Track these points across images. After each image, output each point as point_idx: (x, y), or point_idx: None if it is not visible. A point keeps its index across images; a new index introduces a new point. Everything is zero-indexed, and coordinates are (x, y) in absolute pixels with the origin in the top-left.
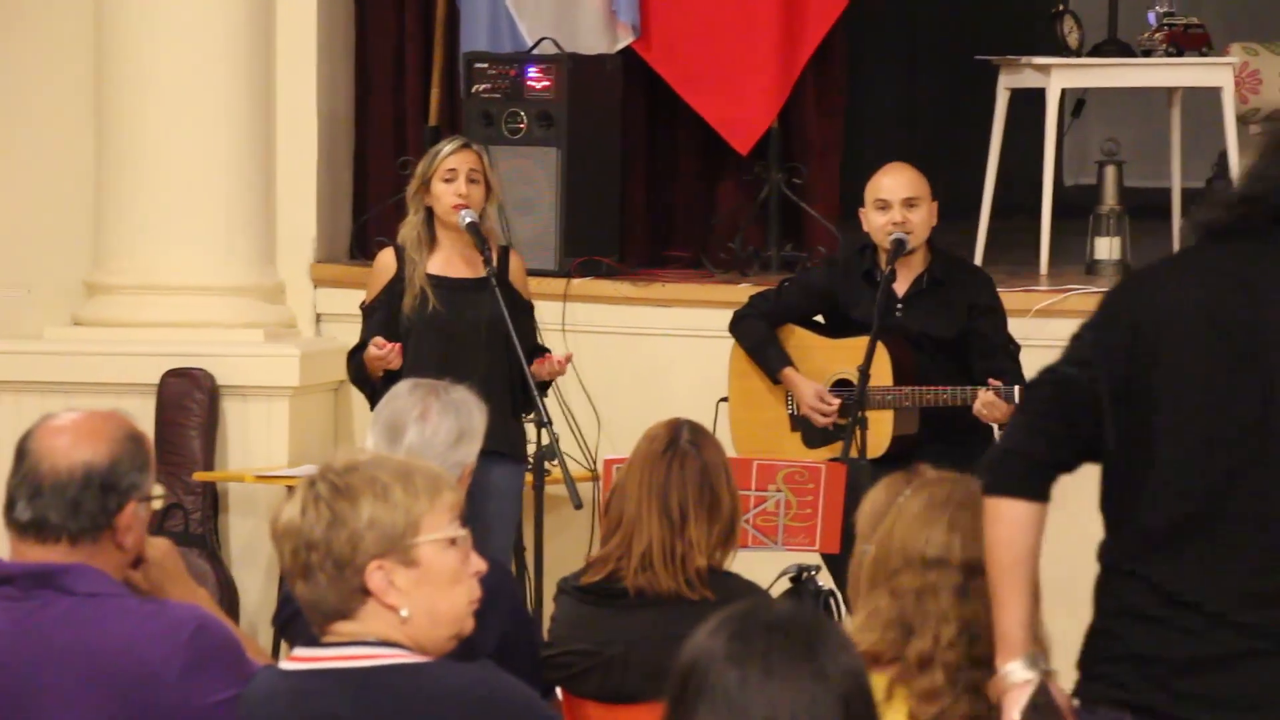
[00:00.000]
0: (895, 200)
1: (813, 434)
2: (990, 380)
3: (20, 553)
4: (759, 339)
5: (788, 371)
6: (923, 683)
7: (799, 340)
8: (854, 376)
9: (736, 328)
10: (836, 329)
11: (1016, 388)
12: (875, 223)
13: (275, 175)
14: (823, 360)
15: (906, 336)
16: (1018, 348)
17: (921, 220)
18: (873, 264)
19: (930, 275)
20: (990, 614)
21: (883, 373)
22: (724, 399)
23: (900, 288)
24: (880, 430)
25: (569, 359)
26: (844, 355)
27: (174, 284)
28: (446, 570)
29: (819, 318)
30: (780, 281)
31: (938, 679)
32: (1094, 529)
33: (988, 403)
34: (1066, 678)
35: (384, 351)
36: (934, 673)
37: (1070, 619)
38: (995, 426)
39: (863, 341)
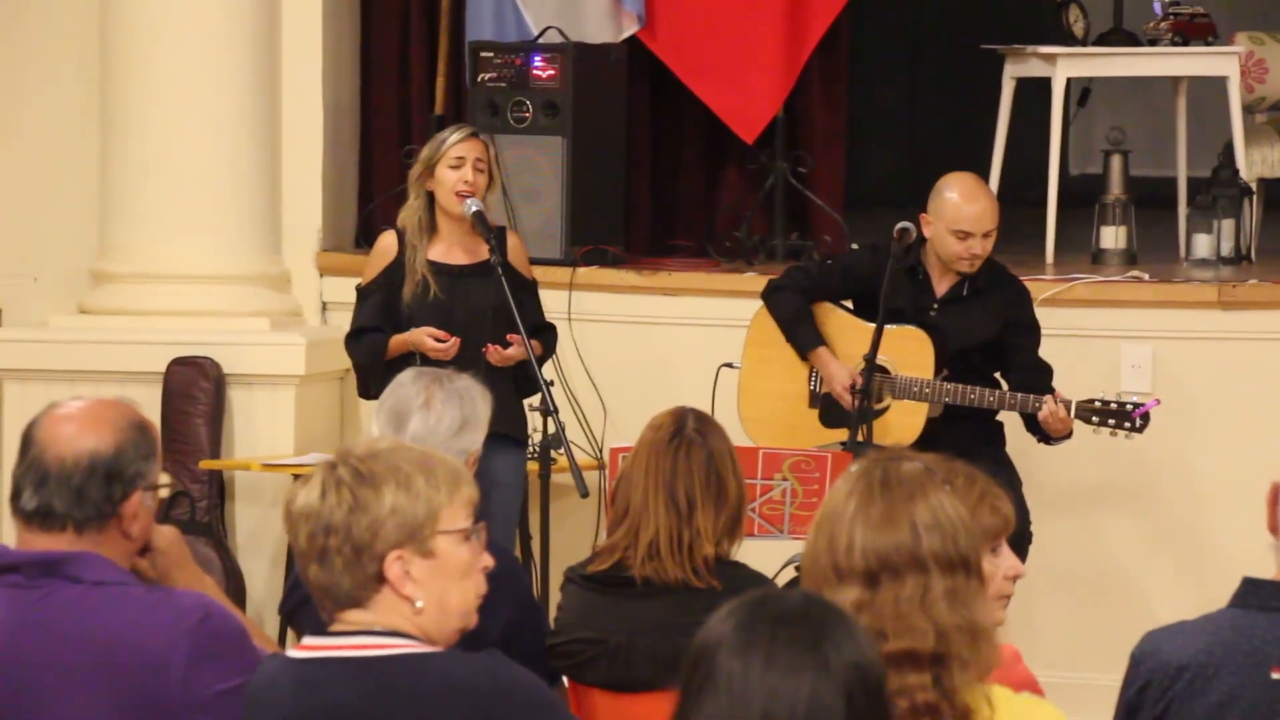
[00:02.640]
0: (979, 232)
1: (831, 414)
2: (1056, 394)
3: (26, 541)
4: (795, 313)
5: (821, 351)
6: None
7: (833, 319)
8: (884, 364)
9: (771, 297)
10: (868, 316)
11: (1074, 401)
12: (950, 247)
13: (281, 164)
14: (854, 343)
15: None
16: (1051, 371)
17: (991, 246)
18: (917, 260)
19: (971, 283)
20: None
21: (924, 365)
22: (728, 365)
23: (940, 289)
24: (912, 422)
25: (519, 349)
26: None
27: (180, 273)
28: (460, 563)
29: (847, 303)
30: (822, 259)
31: None
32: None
33: (1051, 415)
34: (1069, 668)
35: (447, 345)
36: None
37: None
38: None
39: (897, 331)
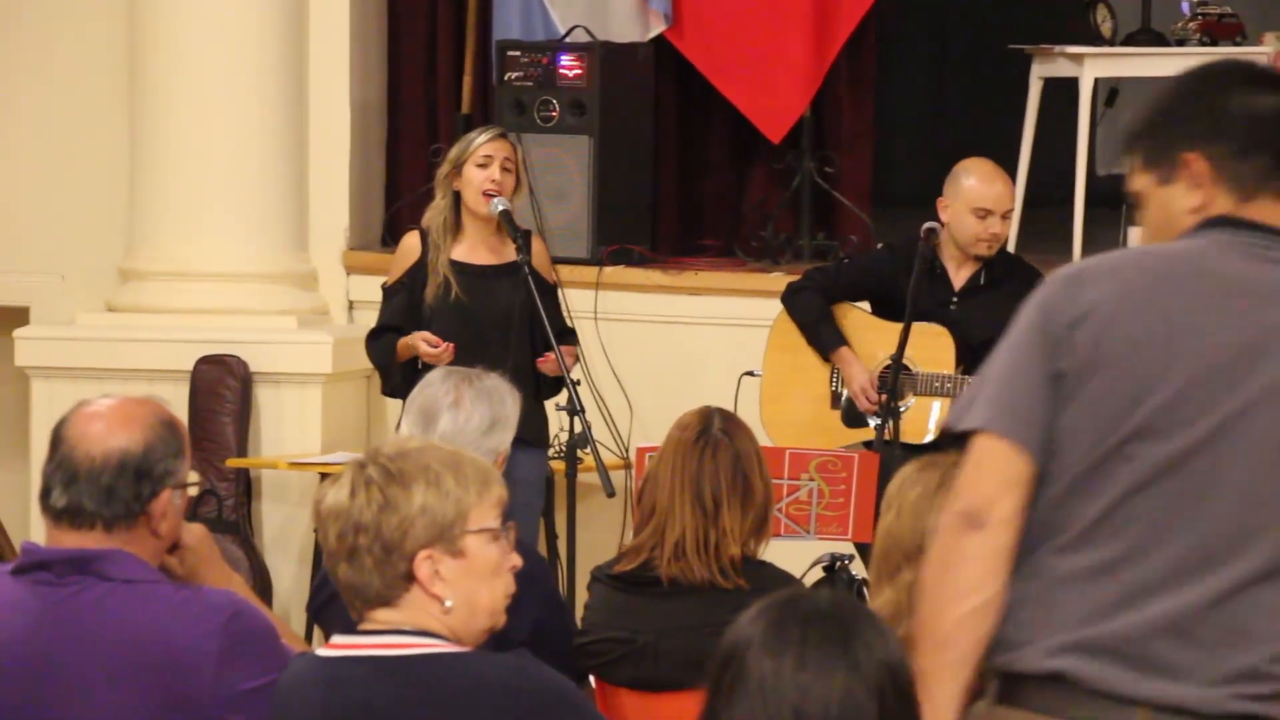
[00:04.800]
0: (999, 211)
1: (852, 415)
2: None
3: (56, 539)
4: (815, 313)
5: (843, 351)
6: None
7: (853, 320)
8: (907, 361)
9: (791, 300)
10: (886, 315)
11: None
12: (968, 228)
13: (308, 163)
14: (875, 342)
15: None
16: None
17: (1009, 230)
18: (933, 253)
19: (989, 273)
20: None
21: (946, 361)
22: (749, 373)
23: (958, 281)
24: (928, 416)
25: (575, 359)
26: (896, 340)
27: (207, 271)
28: (489, 563)
29: (864, 303)
30: (840, 259)
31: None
32: None
33: None
34: None
35: (439, 351)
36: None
37: None
38: None
39: (918, 327)
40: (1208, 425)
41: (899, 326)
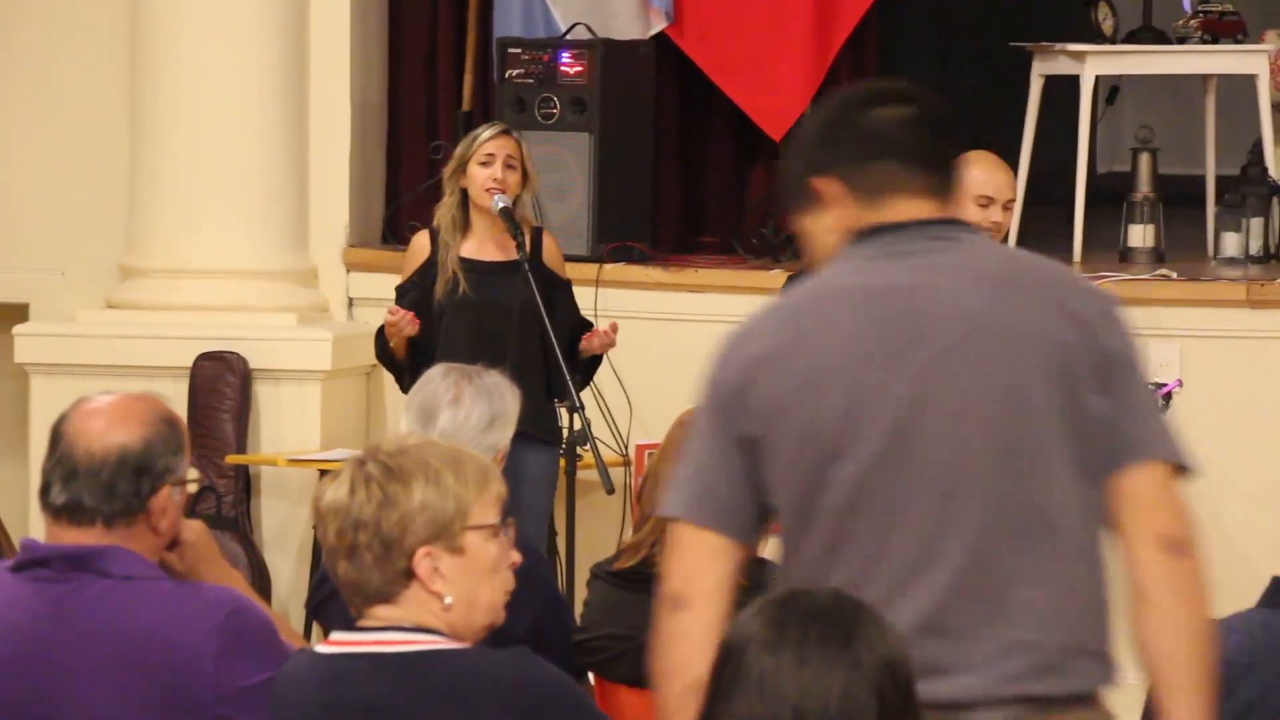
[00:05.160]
0: (1000, 200)
1: None
2: None
3: (55, 535)
4: None
5: None
6: None
7: None
8: None
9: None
10: None
11: None
12: (970, 216)
13: (308, 160)
14: None
15: None
16: None
17: (1010, 221)
18: None
19: None
20: None
21: None
22: None
23: None
24: None
25: (615, 328)
26: None
27: (207, 268)
28: (489, 560)
29: None
30: None
31: None
32: None
33: None
34: None
35: (396, 318)
36: None
37: None
38: None
39: None
40: (882, 430)
41: None
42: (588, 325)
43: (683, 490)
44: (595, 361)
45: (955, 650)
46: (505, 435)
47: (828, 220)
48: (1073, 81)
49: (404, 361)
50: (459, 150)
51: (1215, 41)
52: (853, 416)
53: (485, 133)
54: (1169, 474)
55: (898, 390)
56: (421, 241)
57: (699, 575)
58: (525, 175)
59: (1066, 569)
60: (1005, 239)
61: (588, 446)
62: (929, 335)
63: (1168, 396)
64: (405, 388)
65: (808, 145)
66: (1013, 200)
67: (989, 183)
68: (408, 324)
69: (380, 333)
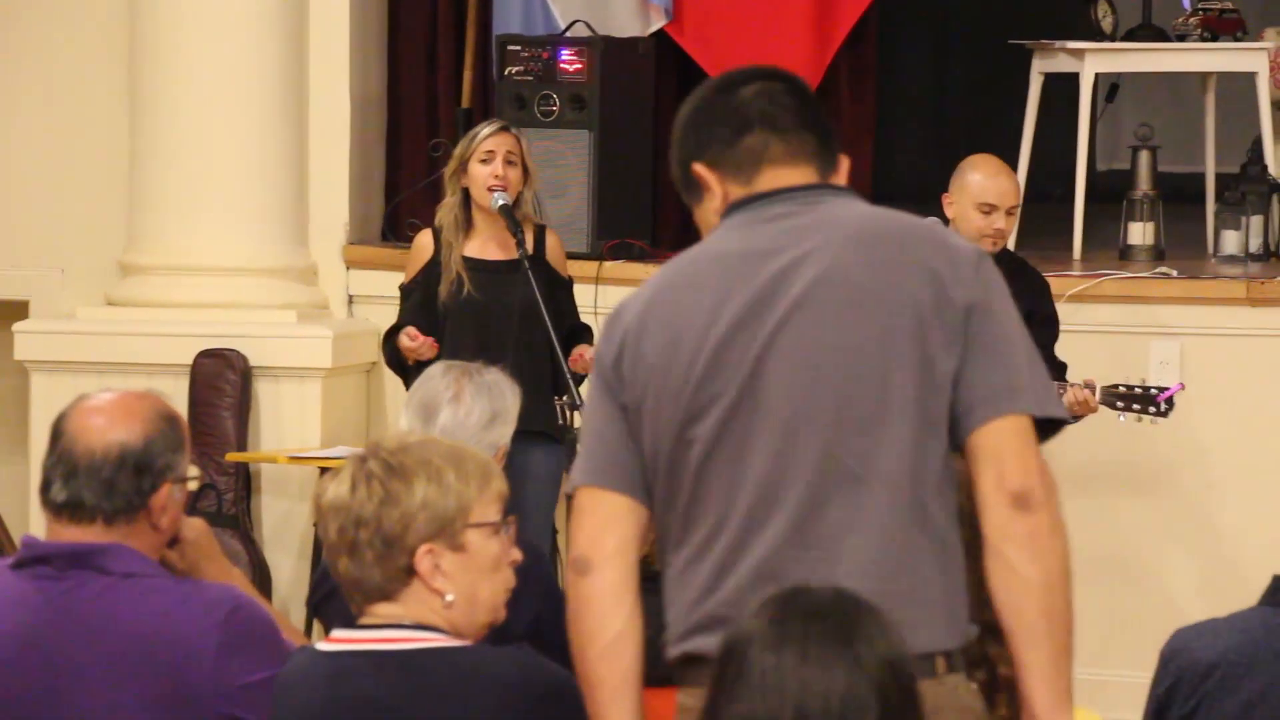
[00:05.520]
0: (1003, 206)
1: None
2: (1086, 379)
3: (56, 533)
4: None
5: None
6: None
7: None
8: None
9: None
10: None
11: (1099, 385)
12: (973, 223)
13: (308, 157)
14: None
15: None
16: (1064, 365)
17: (1013, 226)
18: None
19: None
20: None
21: None
22: None
23: None
24: None
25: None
26: None
27: (207, 265)
28: (490, 558)
29: None
30: None
31: None
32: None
33: (1078, 400)
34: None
35: (417, 344)
36: None
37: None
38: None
39: None
40: (734, 387)
41: None
42: (584, 328)
43: (582, 460)
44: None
45: None
46: (506, 433)
47: (715, 204)
48: (1072, 79)
49: (412, 365)
50: (458, 150)
51: (1215, 39)
52: (711, 376)
53: (484, 130)
54: (1021, 427)
55: (752, 349)
56: (424, 241)
57: (602, 538)
58: (526, 171)
59: (893, 520)
60: (1007, 246)
61: None
62: (784, 294)
63: (1169, 401)
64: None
65: (681, 135)
66: (1016, 206)
67: (992, 190)
68: (427, 350)
69: (388, 337)
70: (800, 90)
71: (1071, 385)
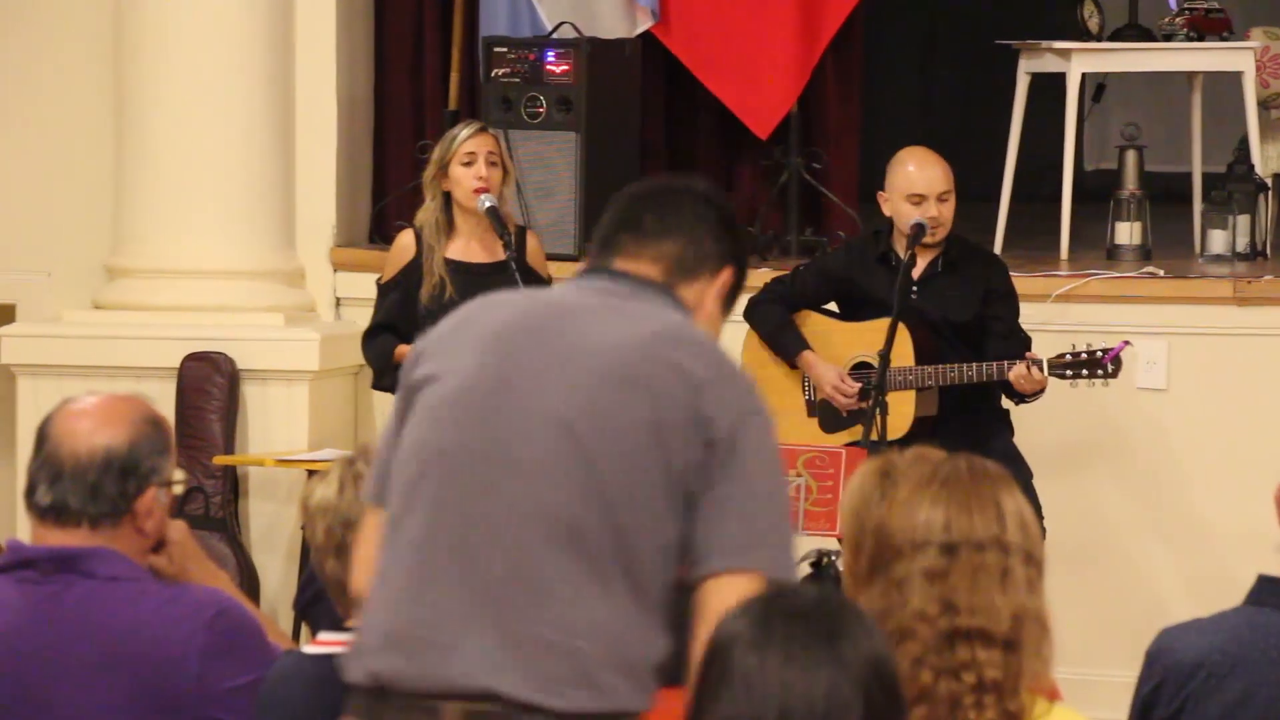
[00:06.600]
0: (932, 195)
1: (830, 419)
2: (1028, 354)
3: (41, 537)
4: (775, 324)
5: (806, 355)
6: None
7: (815, 325)
8: (873, 359)
9: (752, 314)
10: (852, 314)
11: (1045, 359)
12: (905, 215)
13: (294, 159)
14: (841, 344)
15: (923, 319)
16: (1029, 338)
17: (951, 212)
18: (888, 247)
19: (945, 258)
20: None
21: (904, 354)
22: None
23: (916, 271)
24: (902, 411)
25: None
26: (862, 338)
27: (194, 268)
28: None
29: (832, 305)
30: (795, 267)
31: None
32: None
33: (1023, 375)
34: (1079, 664)
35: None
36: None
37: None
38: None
39: (880, 324)
40: (466, 419)
41: (864, 325)
42: None
43: (368, 480)
44: None
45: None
46: None
47: None
48: (1059, 79)
49: (399, 366)
50: (437, 154)
51: (1201, 39)
52: (449, 404)
53: (463, 132)
54: (741, 584)
55: (499, 393)
56: (406, 241)
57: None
58: (505, 170)
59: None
60: (956, 232)
61: None
62: (543, 347)
63: (1116, 360)
64: (385, 386)
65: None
66: (948, 192)
67: (919, 179)
68: None
69: (370, 335)
70: (652, 193)
71: (1016, 363)
